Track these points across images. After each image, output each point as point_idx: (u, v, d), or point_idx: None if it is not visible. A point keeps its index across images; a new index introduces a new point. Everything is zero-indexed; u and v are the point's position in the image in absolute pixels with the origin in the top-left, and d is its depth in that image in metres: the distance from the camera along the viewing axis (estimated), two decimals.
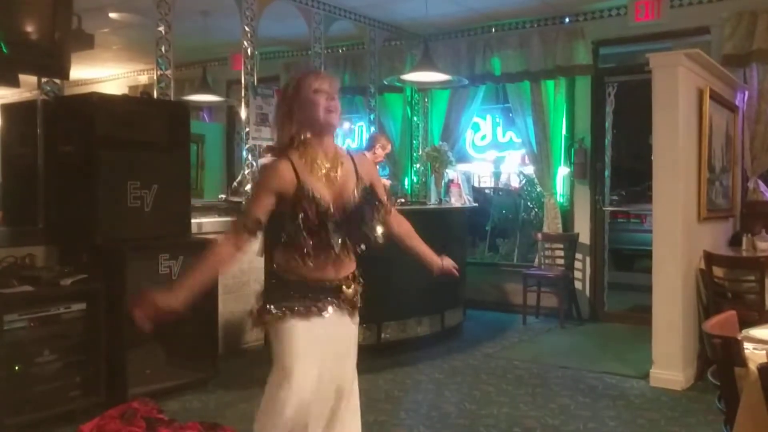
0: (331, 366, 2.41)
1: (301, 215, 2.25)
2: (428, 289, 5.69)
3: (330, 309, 2.39)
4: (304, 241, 2.27)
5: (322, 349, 2.38)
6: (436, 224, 6.08)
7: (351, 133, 9.12)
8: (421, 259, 2.69)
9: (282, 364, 2.34)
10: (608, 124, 7.04)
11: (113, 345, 4.09)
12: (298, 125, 2.32)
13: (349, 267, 2.46)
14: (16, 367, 3.73)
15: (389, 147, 6.40)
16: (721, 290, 4.88)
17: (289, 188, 2.27)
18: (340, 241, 2.31)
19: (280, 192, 2.28)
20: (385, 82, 7.05)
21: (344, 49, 7.98)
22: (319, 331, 2.37)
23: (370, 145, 6.23)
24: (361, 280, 2.54)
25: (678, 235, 4.64)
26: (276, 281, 2.40)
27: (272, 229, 2.35)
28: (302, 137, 2.33)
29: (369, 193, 2.40)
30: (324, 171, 2.33)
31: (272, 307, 2.35)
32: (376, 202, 2.41)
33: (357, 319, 2.54)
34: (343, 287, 2.42)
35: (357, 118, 8.77)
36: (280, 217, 2.30)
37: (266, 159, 2.44)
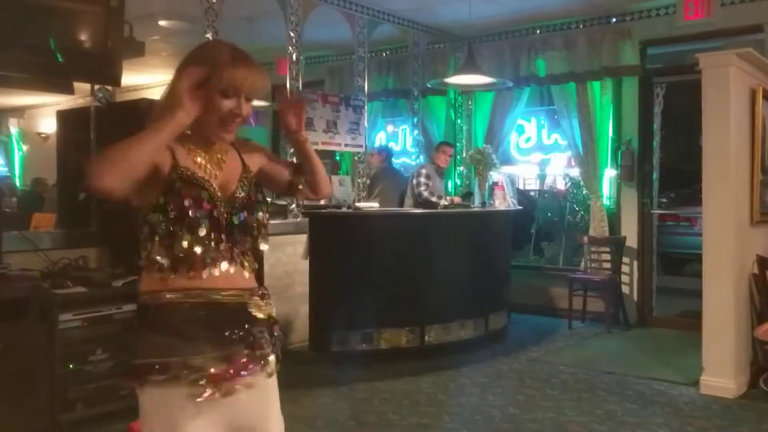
0: None
1: (186, 202, 1.67)
2: (472, 292, 5.70)
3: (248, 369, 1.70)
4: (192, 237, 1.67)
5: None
6: (480, 227, 6.07)
7: (395, 136, 9.15)
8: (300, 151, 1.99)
9: None
10: (656, 125, 6.90)
11: None
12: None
13: (251, 280, 1.82)
14: (70, 365, 3.85)
15: (451, 151, 6.94)
16: None
17: (164, 168, 1.68)
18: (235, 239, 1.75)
19: (155, 169, 1.66)
20: (429, 85, 7.05)
21: (388, 52, 8.01)
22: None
23: (436, 152, 6.83)
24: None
25: (729, 239, 4.53)
26: (146, 315, 1.69)
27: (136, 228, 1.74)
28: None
29: (258, 188, 1.86)
30: (202, 160, 1.76)
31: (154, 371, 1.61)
32: (264, 201, 1.86)
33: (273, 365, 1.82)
34: (251, 307, 1.76)
35: (400, 121, 8.80)
36: (146, 210, 1.70)
37: None
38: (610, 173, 7.01)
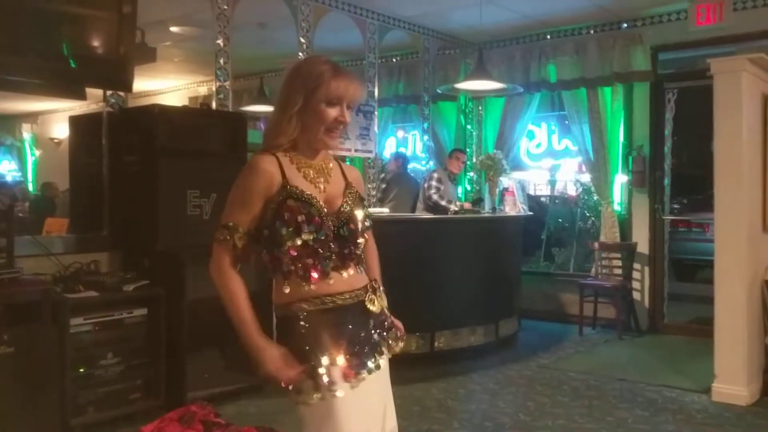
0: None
1: (296, 220, 1.85)
2: (482, 298, 5.69)
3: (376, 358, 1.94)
4: (297, 256, 1.87)
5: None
6: (490, 233, 6.05)
7: (405, 142, 9.15)
8: None
9: None
10: (668, 131, 6.87)
11: (173, 349, 4.21)
12: (295, 130, 1.91)
13: (363, 278, 2.02)
14: (81, 369, 3.88)
15: (464, 158, 7.04)
16: None
17: (274, 187, 1.87)
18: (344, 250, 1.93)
19: (269, 193, 1.88)
20: (439, 91, 7.06)
21: (398, 58, 8.02)
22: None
23: (449, 158, 6.90)
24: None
25: (742, 245, 4.50)
26: (290, 325, 1.90)
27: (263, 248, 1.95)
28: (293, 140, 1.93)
29: (360, 200, 2.02)
30: (312, 174, 1.94)
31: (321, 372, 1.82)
32: (366, 213, 2.03)
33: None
34: (367, 303, 1.97)
35: (411, 126, 8.80)
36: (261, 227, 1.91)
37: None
38: (621, 179, 6.99)
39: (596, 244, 7.06)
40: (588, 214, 8.35)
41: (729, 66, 4.55)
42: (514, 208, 6.47)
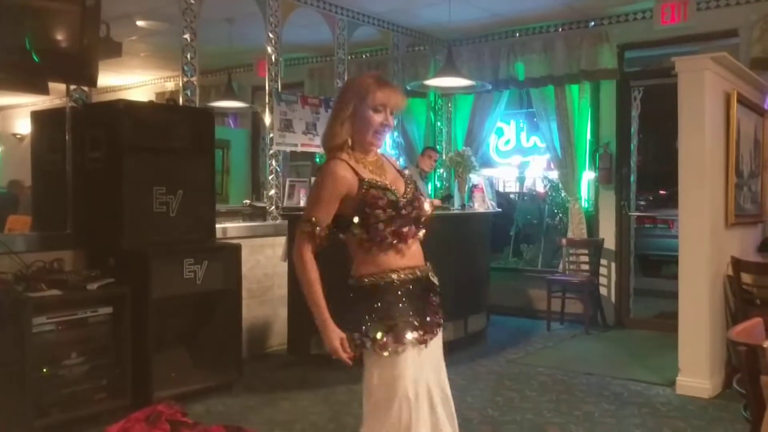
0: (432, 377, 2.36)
1: (379, 204, 2.22)
2: (451, 294, 5.68)
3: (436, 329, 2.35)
4: (391, 229, 2.24)
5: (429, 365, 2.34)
6: (459, 229, 6.07)
7: None
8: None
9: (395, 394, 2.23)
10: (634, 128, 6.97)
11: (139, 348, 4.14)
12: (348, 133, 2.30)
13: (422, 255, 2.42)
14: (44, 370, 3.79)
15: (436, 157, 7.03)
16: (750, 297, 4.81)
17: (353, 187, 2.24)
18: (414, 229, 2.31)
19: (347, 194, 2.24)
20: (409, 88, 7.05)
21: (368, 54, 8.01)
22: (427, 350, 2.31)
23: (422, 156, 6.91)
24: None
25: (705, 241, 4.58)
26: (366, 294, 2.27)
27: (344, 235, 2.30)
28: (349, 143, 2.31)
29: (416, 186, 2.41)
30: (371, 167, 2.33)
31: (387, 337, 2.22)
32: (423, 196, 2.42)
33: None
34: (430, 275, 2.38)
35: None
36: (345, 219, 2.26)
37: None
38: (588, 176, 7.07)
39: (564, 241, 7.14)
40: (556, 211, 8.45)
41: (693, 65, 4.62)
42: (483, 204, 6.50)
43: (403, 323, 2.24)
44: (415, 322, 2.26)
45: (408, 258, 2.30)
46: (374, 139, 2.32)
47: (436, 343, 2.38)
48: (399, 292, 2.26)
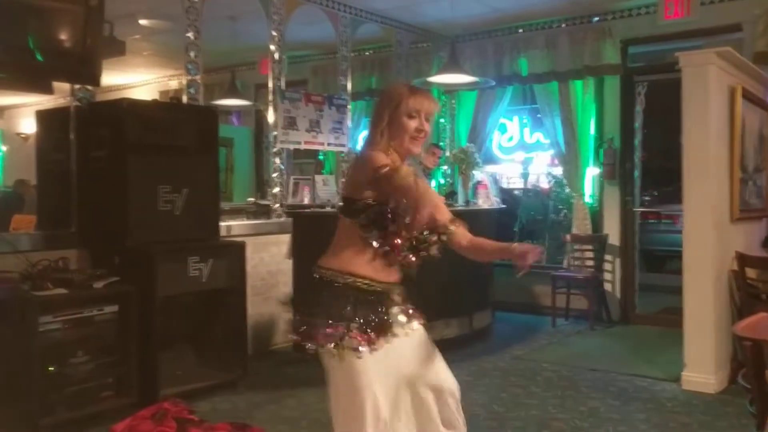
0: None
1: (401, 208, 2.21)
2: (456, 291, 5.70)
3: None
4: (390, 235, 2.26)
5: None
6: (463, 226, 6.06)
7: None
8: (496, 256, 2.68)
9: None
10: (638, 123, 6.95)
11: (145, 346, 4.16)
12: (387, 141, 2.32)
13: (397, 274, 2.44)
14: (51, 368, 3.81)
15: (440, 153, 6.99)
16: (755, 292, 4.79)
17: None
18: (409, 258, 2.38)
19: None
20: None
21: (371, 51, 8.00)
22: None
23: (425, 153, 6.74)
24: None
25: (709, 236, 4.57)
26: (329, 290, 2.30)
27: (354, 221, 2.29)
28: (389, 149, 2.32)
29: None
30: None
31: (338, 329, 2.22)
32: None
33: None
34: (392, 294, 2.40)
35: None
36: (361, 204, 2.26)
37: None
38: (592, 171, 7.06)
39: (568, 237, 7.12)
40: (560, 207, 8.42)
41: (697, 60, 4.60)
42: (487, 201, 6.50)
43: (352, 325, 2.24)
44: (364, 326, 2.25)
45: (383, 274, 2.33)
46: (411, 144, 2.34)
47: (416, 339, 2.45)
48: (350, 297, 2.27)
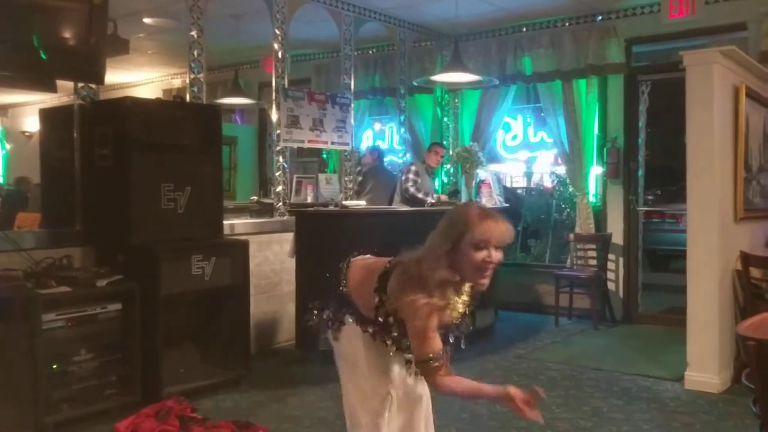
0: None
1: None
2: None
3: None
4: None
5: None
6: None
7: (381, 134, 9.15)
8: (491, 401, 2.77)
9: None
10: (642, 123, 6.93)
11: (148, 344, 4.17)
12: (450, 270, 2.19)
13: None
14: (54, 366, 3.82)
15: (443, 152, 7.02)
16: (758, 291, 4.78)
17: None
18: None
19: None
20: (415, 83, 7.05)
21: (374, 50, 8.00)
22: None
23: (428, 152, 6.90)
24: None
25: (714, 236, 4.56)
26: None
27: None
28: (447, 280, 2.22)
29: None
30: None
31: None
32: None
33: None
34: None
35: (387, 119, 8.80)
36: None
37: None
38: (596, 171, 7.04)
39: (571, 236, 7.12)
40: (563, 206, 8.43)
41: (701, 58, 4.59)
42: (491, 200, 6.49)
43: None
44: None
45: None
46: (476, 276, 2.19)
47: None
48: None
